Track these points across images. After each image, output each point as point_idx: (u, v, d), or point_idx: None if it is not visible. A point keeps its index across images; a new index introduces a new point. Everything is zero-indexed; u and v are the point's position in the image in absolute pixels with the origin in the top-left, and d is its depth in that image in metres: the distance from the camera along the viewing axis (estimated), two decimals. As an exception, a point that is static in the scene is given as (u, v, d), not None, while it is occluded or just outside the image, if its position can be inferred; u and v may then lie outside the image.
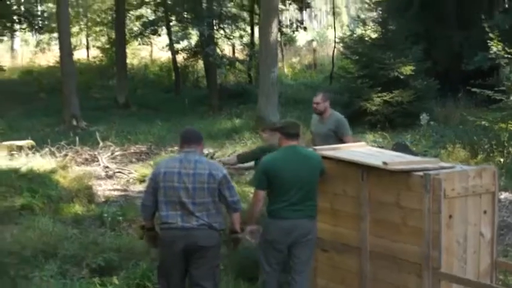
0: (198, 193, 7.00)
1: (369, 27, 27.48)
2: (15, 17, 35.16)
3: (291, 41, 39.78)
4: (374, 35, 26.53)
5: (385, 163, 7.27)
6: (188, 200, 6.98)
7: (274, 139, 10.34)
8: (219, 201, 7.17)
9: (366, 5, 35.57)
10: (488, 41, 18.60)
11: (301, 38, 44.63)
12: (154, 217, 7.41)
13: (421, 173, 7.03)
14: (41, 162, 16.85)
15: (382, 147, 11.34)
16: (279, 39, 30.02)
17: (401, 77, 23.53)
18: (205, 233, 7.02)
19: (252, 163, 10.82)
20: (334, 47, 35.86)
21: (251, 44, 34.41)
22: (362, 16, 32.08)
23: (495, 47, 18.10)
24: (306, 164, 7.73)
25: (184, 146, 7.28)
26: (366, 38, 26.37)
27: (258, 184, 7.77)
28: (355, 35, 27.12)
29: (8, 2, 34.17)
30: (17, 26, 36.88)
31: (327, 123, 11.04)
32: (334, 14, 44.06)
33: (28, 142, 19.29)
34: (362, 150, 8.58)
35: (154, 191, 7.13)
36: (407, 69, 23.51)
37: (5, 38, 43.70)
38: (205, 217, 7.01)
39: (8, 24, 35.59)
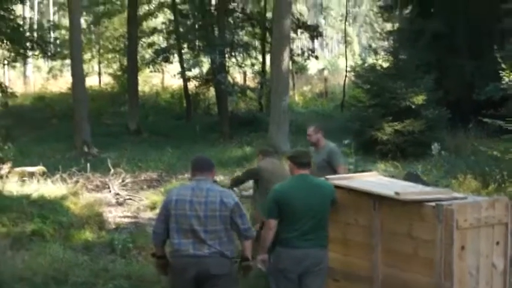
0: (210, 221, 6.99)
1: (380, 57, 27.54)
2: (28, 44, 35.27)
3: (302, 69, 39.85)
4: (385, 65, 26.58)
5: (397, 193, 7.26)
6: (200, 228, 6.97)
7: (265, 162, 10.69)
8: (230, 229, 7.15)
9: (378, 35, 35.83)
10: (500, 72, 18.59)
11: (313, 66, 44.81)
12: (165, 245, 7.39)
13: (433, 204, 7.02)
14: (52, 188, 16.88)
15: (393, 177, 11.30)
16: (291, 67, 30.13)
17: (413, 106, 23.52)
18: (217, 261, 7.00)
19: (250, 192, 10.97)
20: (346, 75, 35.97)
21: (262, 72, 34.50)
22: (373, 45, 32.25)
23: (507, 77, 18.09)
24: (317, 193, 7.73)
25: (196, 174, 7.28)
26: (377, 67, 26.39)
27: (270, 213, 7.77)
28: (366, 64, 27.17)
29: (21, 29, 34.32)
30: (29, 53, 36.97)
31: (321, 153, 11.15)
32: (346, 43, 44.22)
33: (39, 168, 19.32)
34: (374, 179, 8.57)
35: (166, 218, 7.12)
36: (419, 99, 23.51)
37: (18, 65, 43.92)
38: (217, 245, 6.99)
39: (21, 51, 35.69)
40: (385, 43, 31.62)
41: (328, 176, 8.89)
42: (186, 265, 6.98)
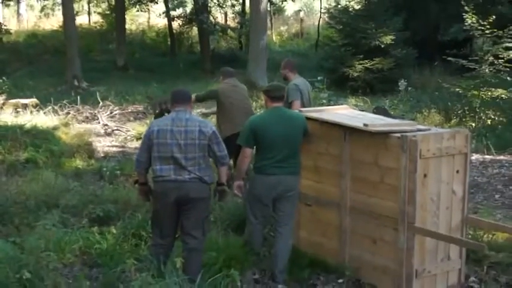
0: (190, 148, 6.99)
1: (353, -1, 27.45)
2: (21, -17, 34.89)
3: (279, 10, 39.64)
4: (357, 7, 26.55)
5: (365, 125, 7.26)
6: (180, 155, 6.97)
7: (225, 85, 11.25)
8: (208, 156, 7.16)
9: (350, -22, 35.45)
10: (463, 14, 18.54)
11: (289, 8, 44.43)
12: (147, 172, 7.39)
13: (398, 135, 7.03)
14: (44, 119, 16.78)
15: (363, 111, 11.28)
16: (269, 8, 29.88)
17: (382, 45, 23.62)
18: (196, 186, 7.02)
19: (214, 109, 11.51)
20: (320, 17, 35.80)
21: (242, 12, 34.24)
22: (346, -12, 31.91)
23: (470, 20, 18.04)
24: (290, 124, 7.73)
25: (175, 106, 7.25)
26: (350, 9, 26.40)
27: (246, 142, 7.78)
28: (339, 6, 27.06)
29: (14, -31, 33.87)
30: (22, -9, 36.63)
31: None
32: (320, -15, 43.82)
33: (32, 100, 19.19)
34: (345, 112, 8.56)
35: (148, 147, 7.10)
36: (388, 39, 23.57)
37: (11, 3, 43.30)
38: (196, 171, 7.00)
39: (15, -10, 35.34)
40: (358, -14, 31.36)
41: (301, 109, 8.89)
42: (168, 189, 7.00)
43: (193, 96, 11.11)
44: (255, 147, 7.80)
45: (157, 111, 9.00)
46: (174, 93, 7.42)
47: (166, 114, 8.09)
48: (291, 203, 7.79)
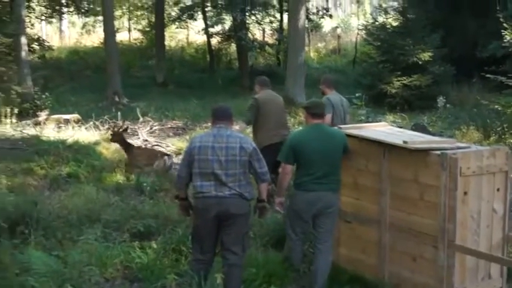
0: (230, 165, 7.02)
1: (390, 16, 27.33)
2: (63, 1, 35.26)
3: (317, 27, 39.47)
4: (395, 23, 26.41)
5: (405, 142, 7.25)
6: (221, 172, 7.00)
7: (262, 94, 11.20)
8: (248, 173, 7.18)
9: (388, -5, 35.41)
10: (502, 30, 18.40)
11: (327, 24, 44.34)
12: (187, 188, 7.43)
13: (438, 152, 6.99)
14: (85, 134, 16.96)
15: (401, 128, 11.25)
16: (306, 25, 29.82)
17: (420, 62, 23.50)
18: (237, 202, 7.04)
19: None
20: (358, 33, 35.68)
21: (280, 29, 34.23)
22: (384, 5, 31.85)
23: (509, 36, 17.90)
24: (330, 141, 7.74)
25: (216, 122, 7.31)
26: (387, 26, 26.26)
27: (286, 158, 7.82)
28: (377, 23, 26.96)
29: (57, -13, 34.33)
30: (65, 9, 37.03)
31: None
32: (358, 2, 43.78)
33: (74, 116, 19.39)
34: (384, 129, 8.54)
35: (189, 163, 7.15)
36: (426, 55, 23.44)
37: (54, 20, 43.85)
38: (236, 187, 7.02)
39: (57, 7, 35.74)
40: (395, 3, 31.25)
41: (341, 126, 8.89)
42: (208, 205, 7.03)
43: (244, 124, 11.22)
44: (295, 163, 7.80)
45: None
46: (215, 109, 7.46)
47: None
48: (331, 219, 7.77)
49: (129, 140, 14.86)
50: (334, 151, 7.73)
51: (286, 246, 8.21)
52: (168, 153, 13.73)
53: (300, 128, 14.70)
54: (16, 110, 19.81)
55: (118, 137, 14.12)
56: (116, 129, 14.50)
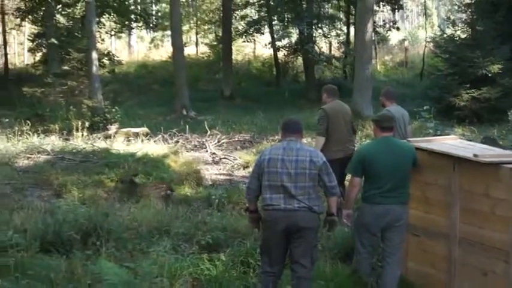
0: (300, 178, 7.02)
1: (459, 28, 26.99)
2: (132, 16, 35.84)
3: (384, 40, 39.31)
4: (463, 35, 26.07)
5: (475, 155, 7.15)
6: (290, 184, 7.00)
7: (331, 104, 11.04)
8: (317, 186, 7.17)
9: (456, 7, 34.96)
10: None
11: (394, 37, 44.12)
12: (257, 200, 7.46)
13: (510, 166, 6.89)
14: (154, 147, 17.21)
15: (471, 141, 11.10)
16: (373, 38, 29.70)
17: (489, 74, 23.13)
18: (305, 215, 7.03)
19: None
20: (425, 46, 35.35)
21: (347, 42, 34.22)
22: (452, 17, 31.45)
23: None
24: (399, 154, 7.69)
25: (286, 135, 7.31)
26: (456, 38, 25.93)
27: (354, 171, 7.81)
28: (445, 35, 26.65)
29: (126, 3, 34.87)
30: (134, 24, 37.64)
31: None
32: (426, 15, 43.42)
33: (143, 129, 19.68)
34: (453, 142, 8.44)
35: (259, 175, 7.18)
36: (495, 68, 23.08)
37: (123, 35, 44.58)
38: (306, 200, 7.01)
39: (126, 23, 36.34)
40: (463, 15, 30.82)
41: (409, 139, 8.82)
42: (277, 218, 7.04)
43: (320, 137, 11.06)
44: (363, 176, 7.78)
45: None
46: (285, 122, 7.46)
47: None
48: (400, 233, 7.71)
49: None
50: (403, 164, 7.67)
51: (354, 259, 8.17)
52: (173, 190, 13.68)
53: (368, 141, 14.63)
54: (87, 124, 20.23)
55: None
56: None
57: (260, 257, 7.57)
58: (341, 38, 34.80)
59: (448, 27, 29.31)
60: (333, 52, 36.78)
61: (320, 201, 7.22)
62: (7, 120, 21.35)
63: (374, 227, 7.70)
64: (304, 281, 7.12)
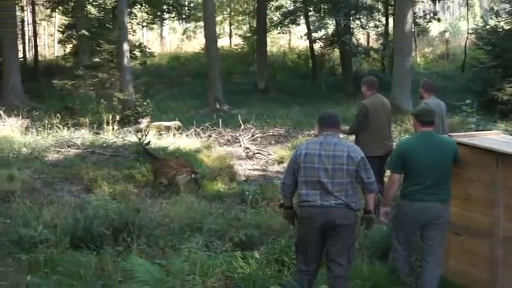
0: (337, 174, 6.99)
1: (502, 19, 26.72)
2: (164, 7, 35.95)
3: (424, 31, 39.01)
4: (507, 26, 25.79)
5: (520, 151, 7.08)
6: (327, 180, 6.98)
7: (372, 99, 10.91)
8: (355, 182, 7.15)
9: (500, -3, 34.62)
10: None
11: (434, 28, 43.74)
12: (293, 196, 7.46)
13: (557, 162, 6.82)
14: (186, 142, 17.26)
15: (515, 136, 10.97)
16: (413, 29, 29.51)
17: (535, 67, 22.86)
18: (343, 212, 6.99)
19: None
20: (467, 37, 35.03)
21: (385, 33, 33.99)
22: (495, 8, 31.12)
23: None
24: (440, 150, 7.65)
25: (323, 129, 7.27)
26: (499, 29, 25.66)
27: (394, 167, 7.79)
28: (488, 26, 26.40)
29: (158, -7, 35.03)
30: (166, 15, 37.77)
31: None
32: (467, 5, 42.99)
33: (175, 123, 19.75)
34: (497, 138, 8.35)
35: (295, 171, 7.16)
36: (541, 60, 22.81)
37: (155, 26, 44.74)
38: (343, 197, 6.99)
39: (158, 13, 36.48)
40: (507, 5, 30.50)
41: (451, 134, 8.76)
42: (313, 215, 7.02)
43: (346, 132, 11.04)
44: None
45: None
46: (322, 116, 7.42)
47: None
48: (440, 231, 7.65)
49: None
50: (444, 160, 7.63)
51: (390, 257, 8.13)
52: (197, 171, 13.65)
53: (407, 136, 14.54)
54: (118, 117, 20.30)
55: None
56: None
57: (295, 255, 7.57)
58: (379, 29, 34.60)
59: (491, 18, 29.01)
60: (371, 44, 36.63)
61: (357, 198, 7.18)
62: (37, 113, 21.58)
63: (412, 225, 7.67)
64: (341, 280, 7.10)
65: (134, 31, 34.92)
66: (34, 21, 37.18)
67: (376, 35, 35.35)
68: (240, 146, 18.10)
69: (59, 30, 36.19)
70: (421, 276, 7.76)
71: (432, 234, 7.66)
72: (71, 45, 33.24)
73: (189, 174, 13.25)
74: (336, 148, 7.06)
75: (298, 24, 36.39)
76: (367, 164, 7.14)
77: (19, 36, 33.47)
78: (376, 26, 34.52)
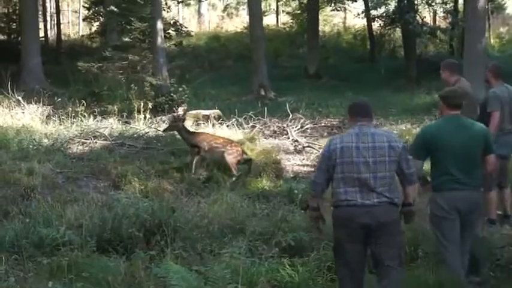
0: (379, 167, 7.02)
1: None
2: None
3: (499, 8, 38.71)
4: None
5: None
6: (369, 175, 7.01)
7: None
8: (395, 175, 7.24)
9: None
10: None
11: (511, 5, 43.38)
12: (322, 195, 7.53)
13: None
14: (227, 133, 17.22)
15: None
16: (487, 6, 29.26)
17: None
18: (386, 209, 7.04)
19: None
20: (551, 15, 34.69)
21: (455, 11, 33.73)
22: None
23: None
24: (468, 134, 7.84)
25: (357, 119, 7.30)
26: None
27: (416, 153, 7.88)
28: None
29: (196, -36, 35.13)
30: (205, -11, 37.92)
31: None
32: (551, -22, 42.53)
33: (214, 112, 19.80)
34: None
35: (328, 168, 7.19)
36: None
37: (192, 2, 44.87)
38: (386, 192, 7.02)
39: (194, -13, 36.61)
40: None
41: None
42: (353, 215, 7.04)
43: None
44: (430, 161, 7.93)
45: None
46: (353, 106, 7.51)
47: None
48: (478, 219, 7.94)
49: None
50: (473, 146, 7.83)
51: (442, 260, 8.07)
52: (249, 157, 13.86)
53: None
54: (150, 105, 20.40)
55: (175, 127, 14.46)
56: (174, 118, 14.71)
57: (334, 263, 7.60)
58: (448, 6, 34.35)
59: None
60: (437, 23, 36.39)
61: (398, 191, 7.25)
62: (59, 99, 21.76)
63: (449, 215, 7.83)
64: (394, 284, 7.10)
65: (169, 7, 35.00)
66: (57, -4, 37.57)
67: (443, 12, 35.09)
68: (288, 138, 18.07)
69: (84, 6, 36.61)
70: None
71: (471, 223, 7.91)
72: (97, 23, 33.53)
73: (240, 153, 13.36)
74: (375, 139, 7.09)
75: (355, 0, 36.24)
76: (407, 153, 7.26)
77: (40, 12, 33.79)
78: (444, 2, 34.26)
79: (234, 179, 13.32)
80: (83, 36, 39.30)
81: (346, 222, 7.09)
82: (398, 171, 7.16)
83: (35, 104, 20.25)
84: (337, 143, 7.17)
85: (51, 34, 38.96)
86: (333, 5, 36.13)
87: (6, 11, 35.80)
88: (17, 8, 31.43)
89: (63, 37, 37.35)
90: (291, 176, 14.68)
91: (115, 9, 25.83)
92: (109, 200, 11.26)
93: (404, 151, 7.16)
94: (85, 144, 16.15)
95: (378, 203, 6.98)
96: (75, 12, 45.86)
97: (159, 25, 23.51)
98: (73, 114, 18.66)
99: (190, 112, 19.61)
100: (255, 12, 26.94)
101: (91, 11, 33.27)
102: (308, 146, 17.30)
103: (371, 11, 34.28)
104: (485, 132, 7.96)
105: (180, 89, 22.27)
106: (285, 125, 19.14)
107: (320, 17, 34.59)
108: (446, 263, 7.91)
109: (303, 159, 16.36)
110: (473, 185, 7.76)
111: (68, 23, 45.23)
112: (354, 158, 7.02)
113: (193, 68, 30.75)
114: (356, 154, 7.02)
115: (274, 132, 18.86)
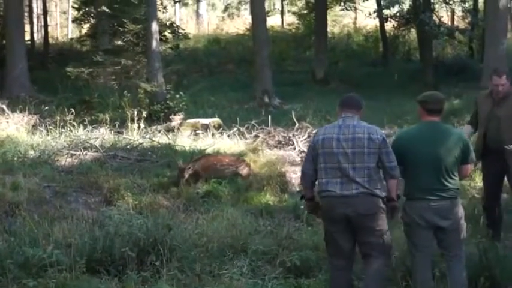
0: (358, 158, 7.51)
1: None
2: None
3: (523, 7, 38.75)
4: None
5: None
6: (347, 165, 7.52)
7: None
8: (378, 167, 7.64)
9: None
10: None
11: (536, 3, 43.42)
12: (314, 186, 7.97)
13: None
14: (228, 143, 17.29)
15: None
16: (509, 5, 29.32)
17: None
18: (365, 200, 7.51)
19: None
20: None
21: (474, 10, 33.77)
22: None
23: None
24: (443, 142, 7.91)
25: (343, 111, 7.88)
26: None
27: None
28: None
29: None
30: (204, -13, 38.01)
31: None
32: None
33: (214, 120, 19.83)
34: None
35: (314, 158, 7.76)
36: None
37: (190, 2, 44.92)
38: (366, 183, 7.50)
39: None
40: None
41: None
42: (333, 205, 7.60)
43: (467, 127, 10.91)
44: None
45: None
46: (342, 98, 8.10)
47: None
48: (454, 232, 7.95)
49: None
50: (447, 154, 7.86)
51: (412, 271, 8.14)
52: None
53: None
54: (145, 113, 20.41)
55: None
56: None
57: (326, 250, 8.19)
58: (467, 4, 34.37)
59: None
60: (456, 23, 36.40)
61: (383, 183, 7.67)
62: (47, 107, 21.77)
63: (419, 226, 7.90)
64: (377, 274, 7.62)
65: (165, 7, 35.02)
66: (44, -4, 37.65)
67: (462, 11, 35.10)
68: (294, 148, 18.06)
69: (73, 7, 36.63)
70: (449, 282, 7.96)
71: (445, 236, 7.96)
72: (88, 25, 33.56)
73: (248, 166, 14.06)
74: (355, 130, 7.63)
75: (367, -1, 36.38)
76: (388, 146, 7.67)
77: (26, 14, 33.88)
78: (463, 1, 34.27)
79: None
80: (72, 39, 39.38)
81: (328, 212, 7.72)
82: (379, 164, 7.62)
83: (20, 112, 20.31)
84: (320, 134, 7.82)
85: (38, 37, 39.13)
86: (342, 4, 36.11)
87: (-12, 12, 35.90)
88: (1, 8, 31.43)
89: (50, 40, 37.45)
90: (297, 189, 14.63)
91: (107, 10, 25.93)
92: (100, 216, 11.26)
93: (385, 144, 7.62)
94: (74, 156, 16.12)
95: (357, 194, 7.51)
96: (64, 13, 46.00)
97: (154, 27, 23.51)
98: (61, 124, 18.63)
99: (188, 121, 19.68)
100: (258, 13, 26.94)
101: (81, 12, 33.24)
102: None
103: (384, 11, 34.23)
104: (463, 142, 8.02)
105: (177, 96, 22.33)
106: (290, 135, 19.10)
107: (328, 18, 34.61)
108: (414, 271, 8.04)
109: (310, 171, 16.30)
110: (444, 196, 7.83)
111: (56, 25, 45.31)
112: (334, 149, 7.61)
113: (191, 73, 30.81)
114: (336, 145, 7.61)
115: (279, 142, 18.82)
